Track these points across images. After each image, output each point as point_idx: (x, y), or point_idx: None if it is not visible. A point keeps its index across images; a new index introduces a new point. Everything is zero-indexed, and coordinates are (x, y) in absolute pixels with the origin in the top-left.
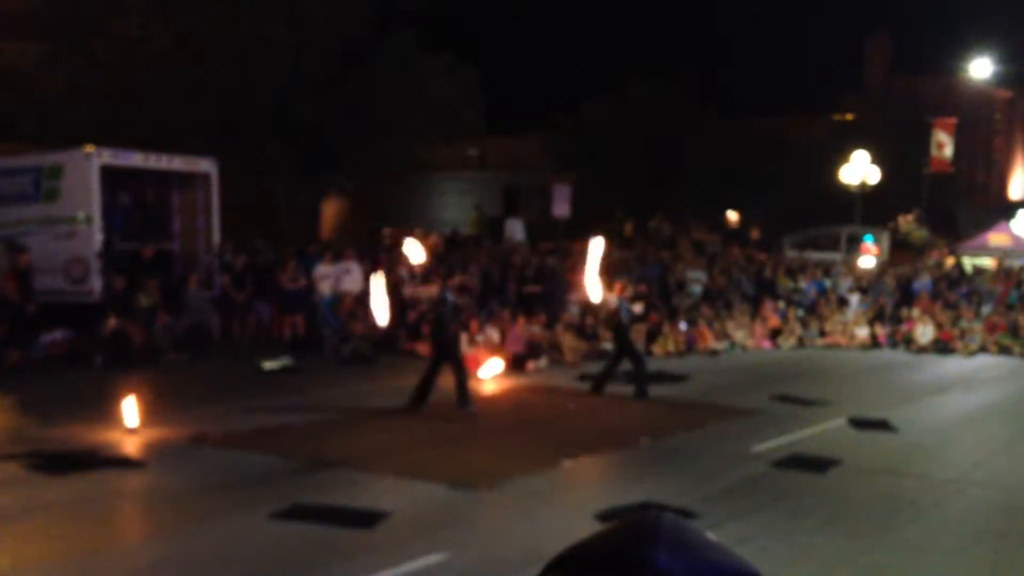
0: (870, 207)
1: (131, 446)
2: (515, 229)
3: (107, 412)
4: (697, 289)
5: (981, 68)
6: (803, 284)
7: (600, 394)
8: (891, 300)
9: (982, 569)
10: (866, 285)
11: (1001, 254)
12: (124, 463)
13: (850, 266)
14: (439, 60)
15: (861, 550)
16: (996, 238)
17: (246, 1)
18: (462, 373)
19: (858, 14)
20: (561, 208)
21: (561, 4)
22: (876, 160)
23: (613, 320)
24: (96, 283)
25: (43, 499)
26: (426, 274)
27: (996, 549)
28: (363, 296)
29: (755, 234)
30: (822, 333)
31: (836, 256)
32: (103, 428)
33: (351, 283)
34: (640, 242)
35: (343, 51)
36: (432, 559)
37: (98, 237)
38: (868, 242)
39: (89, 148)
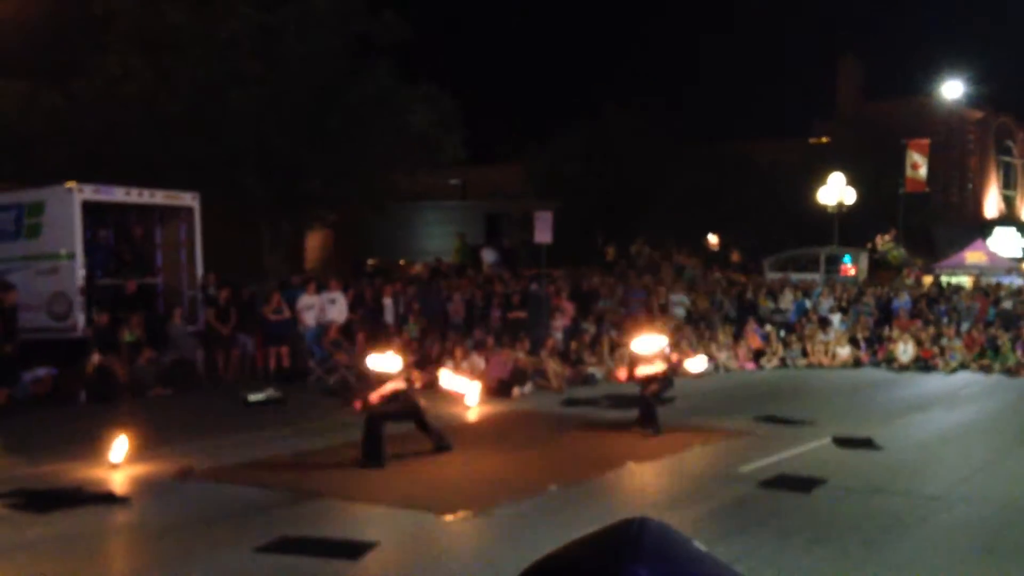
0: (847, 228)
1: (116, 482)
2: (489, 257)
3: (91, 448)
4: (680, 312)
5: (952, 89)
6: (785, 305)
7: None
8: (871, 319)
9: None
10: (846, 305)
11: (978, 272)
12: (109, 499)
13: (831, 286)
14: (418, 91)
15: (849, 569)
16: (973, 256)
17: (225, 39)
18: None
19: (830, 39)
20: (543, 235)
21: (539, 33)
22: (852, 182)
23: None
24: (79, 319)
25: (27, 537)
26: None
27: (983, 565)
28: (347, 325)
29: (735, 256)
30: (804, 353)
31: (816, 276)
32: (88, 464)
33: (336, 313)
34: (623, 267)
35: (322, 85)
36: None
37: (80, 273)
38: (846, 263)
39: (71, 183)
